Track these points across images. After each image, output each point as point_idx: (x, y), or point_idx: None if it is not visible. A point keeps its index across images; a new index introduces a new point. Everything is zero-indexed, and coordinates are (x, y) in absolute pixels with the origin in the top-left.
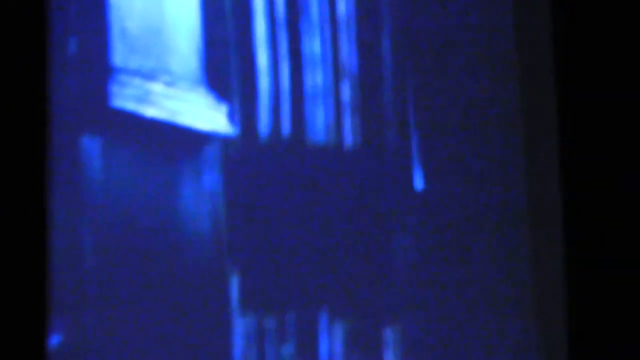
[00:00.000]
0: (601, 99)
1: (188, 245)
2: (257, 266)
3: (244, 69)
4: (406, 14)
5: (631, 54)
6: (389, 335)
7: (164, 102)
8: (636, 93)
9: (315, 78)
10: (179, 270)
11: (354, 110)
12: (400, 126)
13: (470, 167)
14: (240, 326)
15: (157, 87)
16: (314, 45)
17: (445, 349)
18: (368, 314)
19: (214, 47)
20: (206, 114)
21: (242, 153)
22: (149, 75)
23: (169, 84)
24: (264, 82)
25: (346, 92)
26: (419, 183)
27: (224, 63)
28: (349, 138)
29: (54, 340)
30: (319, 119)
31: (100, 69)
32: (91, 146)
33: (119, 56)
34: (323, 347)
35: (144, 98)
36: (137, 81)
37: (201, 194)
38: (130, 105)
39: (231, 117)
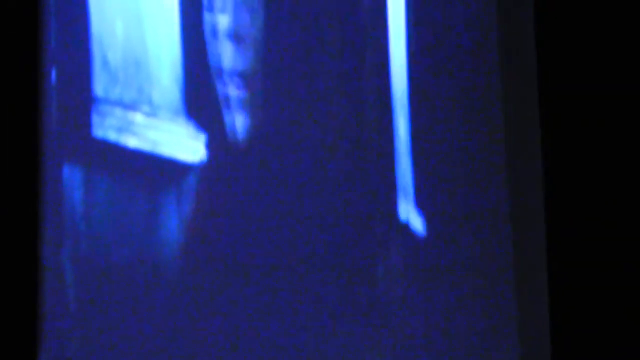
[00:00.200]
0: (585, 103)
1: (169, 274)
2: (237, 294)
3: (223, 99)
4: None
5: (614, 56)
6: (376, 343)
7: (145, 132)
8: (619, 94)
9: (296, 110)
10: (160, 299)
11: (337, 137)
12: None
13: (455, 173)
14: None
15: (138, 118)
16: (294, 76)
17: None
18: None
19: (195, 77)
20: (187, 144)
21: (221, 182)
22: (130, 106)
23: (150, 114)
24: (242, 112)
25: (329, 121)
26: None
27: (204, 93)
28: (333, 167)
29: None
30: (299, 149)
31: (82, 99)
32: (73, 176)
33: (100, 86)
34: None
35: (125, 128)
36: (118, 111)
37: (182, 224)
38: (111, 136)
39: (211, 146)
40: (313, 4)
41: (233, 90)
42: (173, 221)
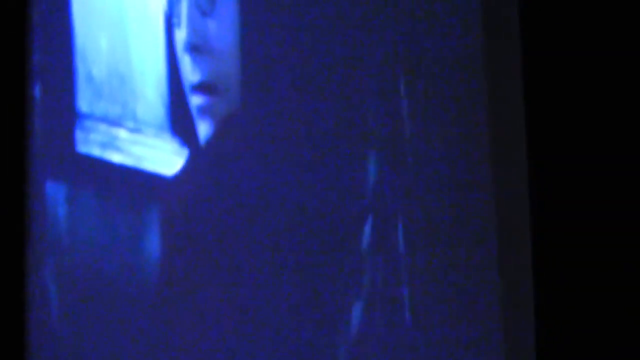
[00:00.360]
0: (572, 108)
1: (153, 289)
2: (222, 309)
3: (208, 114)
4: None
5: (601, 57)
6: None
7: (130, 148)
8: (607, 100)
9: (283, 125)
10: (144, 314)
11: (320, 152)
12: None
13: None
14: None
15: (122, 133)
16: (281, 89)
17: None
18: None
19: (180, 93)
20: (171, 160)
21: (205, 197)
22: (115, 121)
23: (135, 129)
24: (227, 128)
25: (315, 135)
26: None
27: (189, 109)
28: (318, 179)
29: None
30: (286, 164)
31: (65, 115)
32: (57, 191)
33: (84, 102)
34: None
35: (109, 144)
36: (102, 127)
37: (166, 239)
38: (95, 151)
39: (195, 162)
40: (295, 14)
41: (218, 106)
42: (157, 237)
